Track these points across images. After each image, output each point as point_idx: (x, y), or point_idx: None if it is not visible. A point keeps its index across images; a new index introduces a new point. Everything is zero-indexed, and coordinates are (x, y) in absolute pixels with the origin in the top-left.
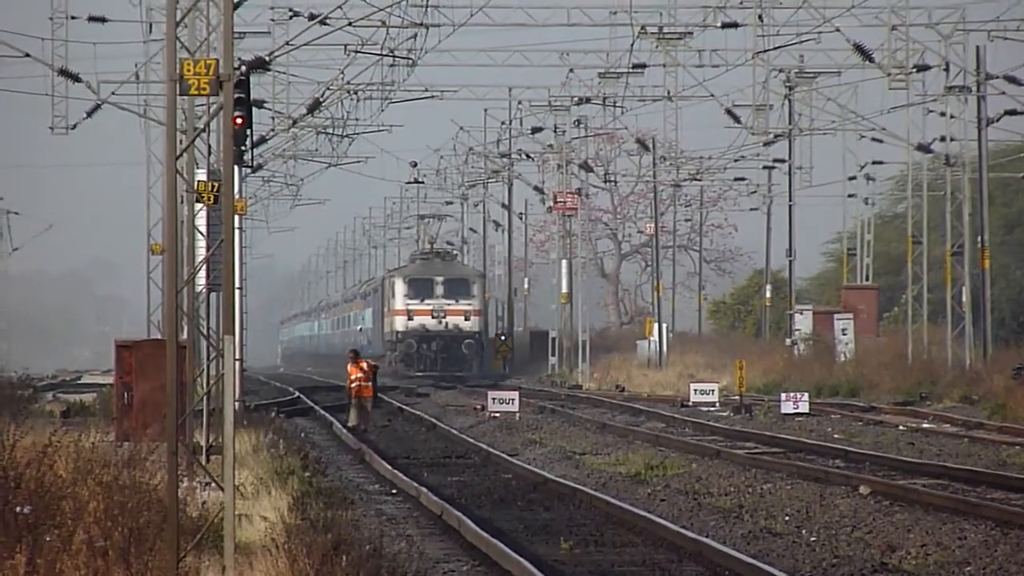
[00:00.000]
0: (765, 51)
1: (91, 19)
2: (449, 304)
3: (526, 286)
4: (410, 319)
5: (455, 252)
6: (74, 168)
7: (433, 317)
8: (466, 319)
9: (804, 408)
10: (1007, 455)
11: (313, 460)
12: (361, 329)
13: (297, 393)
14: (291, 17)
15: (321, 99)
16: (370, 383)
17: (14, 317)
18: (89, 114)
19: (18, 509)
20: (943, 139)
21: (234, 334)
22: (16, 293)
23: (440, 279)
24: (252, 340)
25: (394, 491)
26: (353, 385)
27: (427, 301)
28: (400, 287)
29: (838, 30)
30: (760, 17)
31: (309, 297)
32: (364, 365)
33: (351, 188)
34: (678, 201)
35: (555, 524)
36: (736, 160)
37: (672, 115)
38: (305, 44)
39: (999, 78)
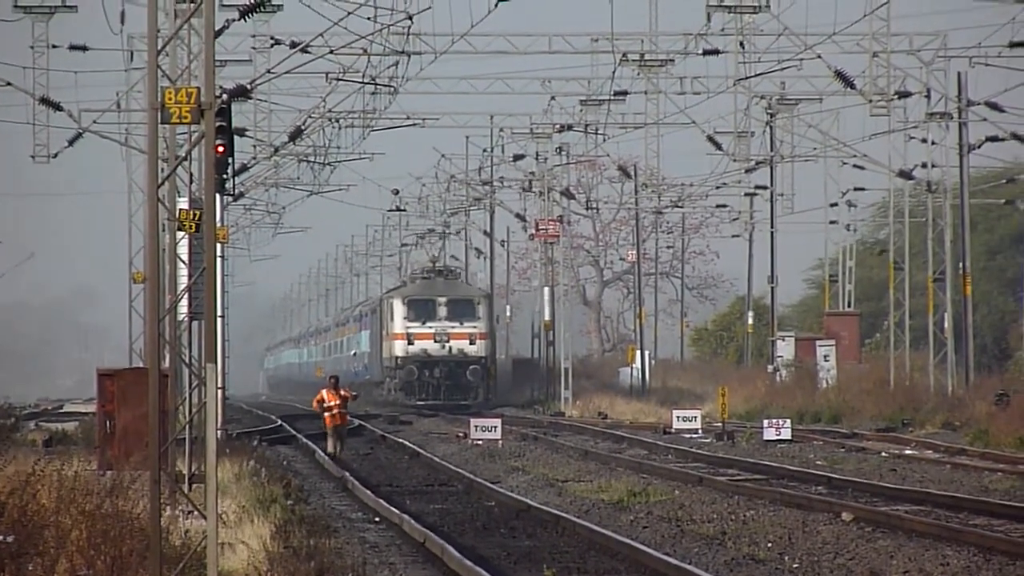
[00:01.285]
0: (746, 78)
1: (72, 48)
2: (453, 327)
3: (508, 313)
4: (410, 343)
5: (459, 270)
6: (56, 197)
7: (436, 341)
8: (471, 343)
9: (786, 435)
10: (989, 481)
11: (295, 488)
12: (355, 355)
13: (279, 421)
14: (272, 45)
15: (303, 127)
16: (345, 410)
17: None
18: (71, 143)
19: (1, 538)
20: (924, 165)
21: (216, 362)
22: None
23: (443, 300)
24: (234, 368)
25: (377, 519)
26: (332, 412)
27: (429, 324)
28: (399, 309)
29: (819, 57)
30: (741, 44)
31: (291, 325)
32: (343, 392)
33: (333, 216)
34: (660, 228)
35: (538, 551)
36: (718, 187)
37: (654, 142)
38: (287, 72)
39: (980, 104)
